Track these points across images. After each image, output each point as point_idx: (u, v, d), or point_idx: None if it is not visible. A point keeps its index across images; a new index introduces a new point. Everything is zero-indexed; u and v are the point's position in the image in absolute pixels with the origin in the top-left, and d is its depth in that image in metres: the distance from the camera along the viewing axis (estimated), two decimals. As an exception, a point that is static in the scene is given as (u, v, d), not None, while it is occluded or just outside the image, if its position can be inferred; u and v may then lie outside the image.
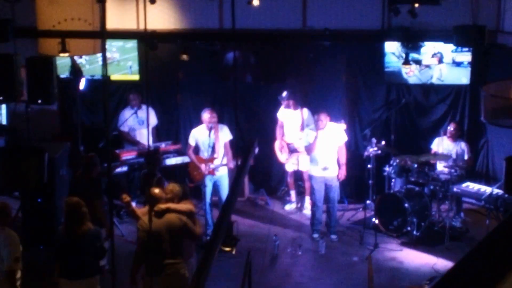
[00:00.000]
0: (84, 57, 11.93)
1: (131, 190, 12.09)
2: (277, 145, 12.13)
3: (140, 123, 12.01)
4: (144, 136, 11.93)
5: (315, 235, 11.09)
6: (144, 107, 12.12)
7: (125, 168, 11.63)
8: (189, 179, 11.61)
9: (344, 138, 11.07)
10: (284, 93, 11.84)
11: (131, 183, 12.15)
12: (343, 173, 11.07)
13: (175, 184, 8.32)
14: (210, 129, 10.87)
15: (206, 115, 10.94)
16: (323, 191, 10.97)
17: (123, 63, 12.30)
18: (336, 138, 10.94)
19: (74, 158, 10.88)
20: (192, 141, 11.13)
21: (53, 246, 7.95)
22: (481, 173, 12.31)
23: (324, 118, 10.81)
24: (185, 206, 8.07)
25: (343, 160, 11.05)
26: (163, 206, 7.84)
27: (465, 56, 11.56)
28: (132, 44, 12.16)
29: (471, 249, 4.27)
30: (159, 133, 12.60)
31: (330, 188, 10.95)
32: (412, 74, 11.87)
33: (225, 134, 11.08)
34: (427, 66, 11.77)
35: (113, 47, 12.15)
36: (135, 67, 12.31)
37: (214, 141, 10.92)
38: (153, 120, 12.31)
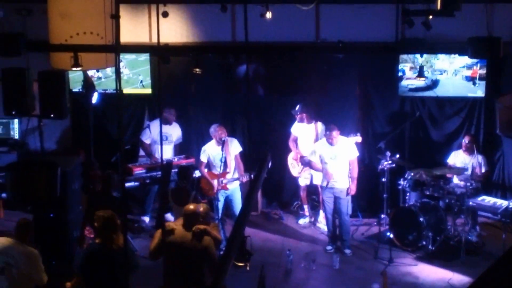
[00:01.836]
0: (100, 71, 11.94)
1: (146, 204, 12.06)
2: (290, 157, 12.07)
3: (164, 139, 11.93)
4: (165, 151, 11.85)
5: (328, 247, 11.02)
6: (174, 123, 12.11)
7: (137, 183, 11.58)
8: (201, 195, 11.57)
9: (356, 153, 10.99)
10: (297, 107, 11.79)
11: (147, 197, 12.09)
12: (353, 188, 10.98)
13: (206, 205, 8.34)
14: (222, 144, 10.81)
15: (215, 131, 10.89)
16: (332, 203, 10.91)
17: (134, 77, 12.28)
18: (347, 153, 10.86)
19: (88, 172, 10.87)
20: (204, 158, 11.05)
21: (79, 261, 7.84)
22: (497, 186, 12.20)
23: (336, 134, 10.75)
24: (219, 235, 8.07)
25: (355, 175, 10.97)
26: (202, 227, 7.78)
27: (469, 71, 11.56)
28: (144, 57, 12.14)
29: (489, 266, 4.18)
30: (178, 149, 12.52)
31: (338, 200, 10.86)
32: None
33: (235, 147, 11.04)
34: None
35: (121, 61, 12.10)
36: (146, 81, 12.29)
37: (225, 155, 10.86)
38: (179, 138, 12.27)
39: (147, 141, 12.06)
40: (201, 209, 8.13)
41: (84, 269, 7.66)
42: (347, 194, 10.88)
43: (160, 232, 7.89)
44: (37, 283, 7.72)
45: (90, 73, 11.84)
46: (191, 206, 7.92)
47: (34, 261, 7.64)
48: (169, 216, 10.97)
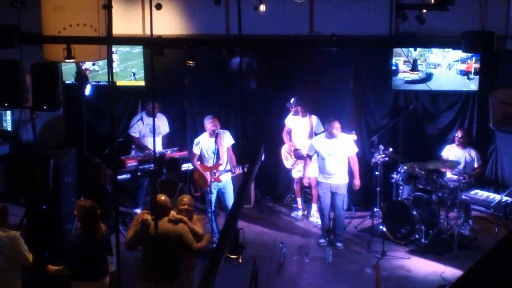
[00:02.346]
0: (97, 63, 11.92)
1: (138, 197, 12.06)
2: (284, 149, 12.07)
3: (151, 131, 11.94)
4: (152, 144, 11.89)
5: (321, 240, 11.06)
6: (159, 115, 12.11)
7: (129, 175, 11.57)
8: (194, 188, 11.58)
9: (355, 149, 11.01)
10: (292, 100, 11.78)
11: (139, 190, 12.08)
12: (357, 183, 11.08)
13: (189, 196, 8.42)
14: (215, 136, 10.81)
15: (208, 123, 10.90)
16: (329, 198, 10.92)
17: (128, 69, 12.24)
18: (346, 148, 10.88)
19: (82, 164, 10.87)
20: (196, 150, 11.06)
21: (64, 251, 7.90)
22: (490, 180, 12.23)
23: (338, 125, 10.77)
24: (200, 229, 8.12)
25: (356, 170, 11.01)
26: (178, 216, 7.92)
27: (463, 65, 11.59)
28: (137, 50, 12.11)
29: (480, 258, 4.19)
30: (166, 140, 12.53)
31: (335, 195, 10.88)
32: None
33: (227, 139, 11.05)
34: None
35: (115, 53, 12.01)
36: (139, 74, 12.26)
37: (218, 147, 10.86)
38: (166, 128, 12.28)
39: (136, 135, 12.05)
40: (185, 199, 8.23)
41: (67, 257, 7.73)
42: (347, 190, 10.93)
43: (135, 223, 7.97)
44: (24, 263, 7.79)
45: (87, 65, 11.83)
46: (162, 197, 8.00)
47: (16, 242, 7.75)
48: None
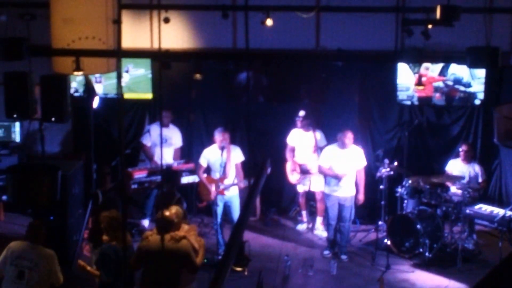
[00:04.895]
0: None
1: (146, 208, 12.12)
2: (288, 167, 12.10)
3: (164, 141, 12.02)
4: (164, 154, 11.93)
5: (326, 252, 11.13)
6: (171, 126, 12.19)
7: (135, 186, 11.64)
8: (198, 199, 11.63)
9: (364, 162, 11.06)
10: (302, 112, 11.78)
11: (147, 200, 12.14)
12: (361, 198, 11.11)
13: (177, 207, 8.22)
14: (222, 149, 10.87)
15: (218, 135, 10.94)
16: (336, 210, 10.96)
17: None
18: (355, 160, 10.93)
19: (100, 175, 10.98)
20: (203, 162, 11.11)
21: (101, 264, 7.87)
22: (494, 195, 12.27)
23: (350, 136, 10.82)
24: (196, 243, 7.99)
25: (362, 185, 11.06)
26: (181, 234, 7.77)
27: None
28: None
29: (485, 275, 4.23)
30: (179, 154, 12.55)
31: (343, 207, 10.93)
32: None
33: (237, 155, 11.07)
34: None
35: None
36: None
37: (225, 161, 10.91)
38: (178, 141, 12.33)
39: (148, 144, 12.15)
40: (173, 211, 7.97)
41: (104, 270, 7.75)
42: (354, 202, 10.97)
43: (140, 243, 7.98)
44: (55, 283, 7.83)
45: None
46: (167, 213, 7.80)
47: (52, 262, 7.80)
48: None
